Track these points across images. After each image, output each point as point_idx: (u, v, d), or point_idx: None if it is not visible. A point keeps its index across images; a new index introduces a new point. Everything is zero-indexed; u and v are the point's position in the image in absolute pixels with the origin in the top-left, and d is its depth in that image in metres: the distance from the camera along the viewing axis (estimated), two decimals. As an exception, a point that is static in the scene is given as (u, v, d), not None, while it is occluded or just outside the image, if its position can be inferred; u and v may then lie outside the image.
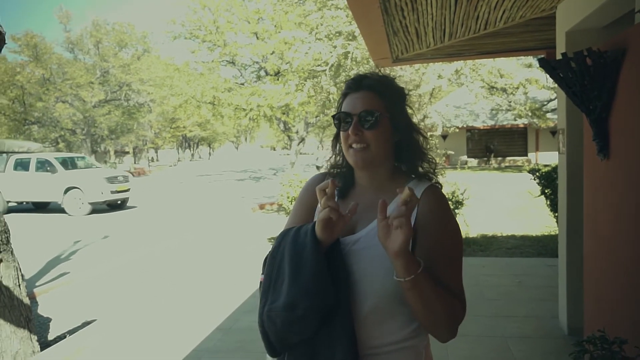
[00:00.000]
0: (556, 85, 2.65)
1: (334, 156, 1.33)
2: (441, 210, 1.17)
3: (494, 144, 27.23)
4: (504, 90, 18.31)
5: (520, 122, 24.97)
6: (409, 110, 1.28)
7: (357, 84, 1.22)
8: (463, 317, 1.15)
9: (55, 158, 14.39)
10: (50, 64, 29.61)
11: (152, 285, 5.90)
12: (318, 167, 18.57)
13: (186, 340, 3.90)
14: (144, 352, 3.80)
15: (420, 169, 1.25)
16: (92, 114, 30.24)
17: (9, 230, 3.70)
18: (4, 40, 2.84)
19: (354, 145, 1.18)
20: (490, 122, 26.50)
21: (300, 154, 18.16)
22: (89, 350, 3.89)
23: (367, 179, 1.25)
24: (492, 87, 17.37)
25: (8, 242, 3.67)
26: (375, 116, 1.17)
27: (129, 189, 14.65)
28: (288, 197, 7.88)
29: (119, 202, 14.81)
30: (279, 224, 9.49)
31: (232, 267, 6.51)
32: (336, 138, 1.31)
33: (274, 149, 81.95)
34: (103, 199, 13.72)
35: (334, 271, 1.11)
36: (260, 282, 1.21)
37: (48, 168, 13.98)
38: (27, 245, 8.73)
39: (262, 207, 13.18)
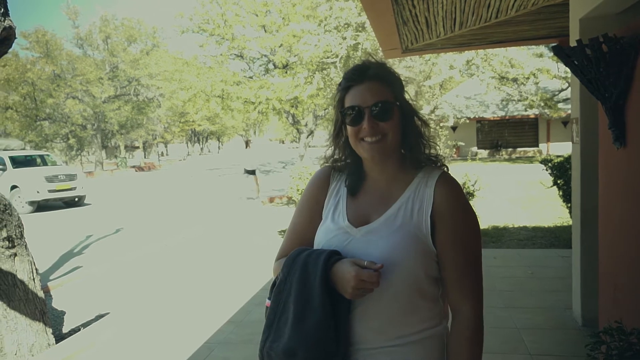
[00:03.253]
0: (569, 74, 2.61)
1: (336, 150, 1.28)
2: (457, 200, 1.15)
3: (503, 138, 26.95)
4: (515, 80, 18.09)
5: (531, 113, 24.67)
6: (407, 97, 1.24)
7: (360, 75, 1.16)
8: (482, 325, 1.15)
9: (10, 156, 14.42)
10: (60, 60, 29.79)
11: (164, 278, 5.94)
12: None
13: (198, 333, 3.92)
14: (156, 344, 3.83)
15: (425, 156, 1.22)
16: (102, 109, 30.43)
17: (22, 225, 3.74)
18: (15, 35, 2.84)
19: (367, 139, 1.14)
20: (501, 113, 26.22)
21: (309, 146, 18.13)
22: (102, 342, 3.93)
23: (379, 170, 1.21)
24: (503, 78, 17.17)
25: (22, 236, 3.71)
26: (390, 106, 1.13)
27: (73, 187, 14.45)
28: (298, 190, 7.88)
29: (68, 200, 14.74)
30: (289, 216, 9.46)
31: (242, 260, 6.54)
32: (339, 133, 1.26)
33: (283, 142, 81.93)
34: (39, 197, 13.60)
35: (337, 306, 1.09)
36: (266, 308, 1.19)
37: (0, 166, 14.07)
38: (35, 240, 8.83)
39: (271, 200, 13.20)
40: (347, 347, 1.12)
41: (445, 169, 1.23)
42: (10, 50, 3.08)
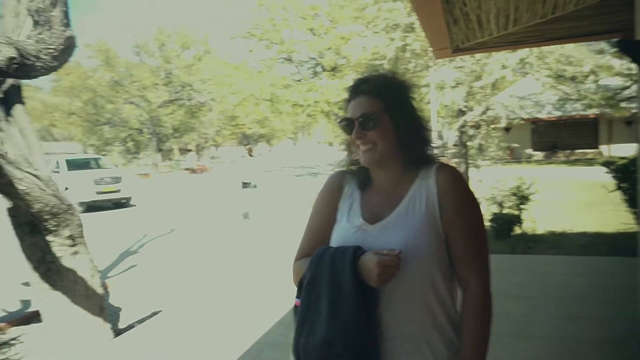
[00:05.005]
0: (633, 71, 2.45)
1: (350, 154, 1.39)
2: (455, 183, 1.25)
3: (560, 139, 25.79)
4: (573, 78, 17.28)
5: (591, 112, 23.45)
6: (414, 102, 1.32)
7: (354, 90, 1.31)
8: (490, 302, 1.23)
9: (66, 160, 15.21)
10: (118, 67, 31.27)
11: (215, 278, 6.08)
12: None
13: (248, 334, 3.97)
14: (207, 343, 3.92)
15: (426, 157, 1.31)
16: (157, 113, 31.68)
17: (82, 225, 3.93)
18: (75, 44, 3.00)
19: (361, 147, 1.27)
20: (557, 113, 25.11)
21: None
22: (155, 339, 4.06)
23: (382, 175, 1.32)
24: (560, 76, 16.44)
25: (82, 235, 3.89)
26: (373, 118, 1.24)
27: (118, 189, 15.07)
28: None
29: (115, 202, 15.34)
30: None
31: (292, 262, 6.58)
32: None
33: (332, 145, 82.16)
34: (87, 199, 14.21)
35: (366, 297, 1.17)
36: (295, 306, 1.26)
37: (56, 169, 14.78)
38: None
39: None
40: (377, 336, 1.20)
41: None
42: (72, 59, 3.25)
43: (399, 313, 1.20)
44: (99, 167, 16.31)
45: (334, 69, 15.90)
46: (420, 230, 1.20)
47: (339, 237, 1.30)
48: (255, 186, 11.51)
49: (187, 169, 35.61)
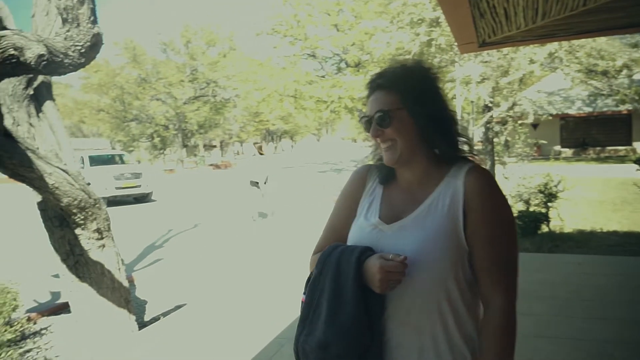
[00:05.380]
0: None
1: (377, 149, 1.31)
2: (484, 189, 1.14)
3: (590, 135, 25.10)
4: (605, 73, 16.79)
5: (624, 108, 22.74)
6: (439, 93, 1.23)
7: (371, 86, 1.24)
8: (514, 323, 1.12)
9: (89, 156, 15.58)
10: (145, 65, 31.82)
11: (238, 273, 6.14)
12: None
13: (269, 328, 4.00)
14: (229, 336, 3.96)
15: (456, 153, 1.22)
16: (182, 110, 32.12)
17: (109, 219, 4.01)
18: (102, 41, 3.06)
19: (381, 145, 1.21)
20: (588, 109, 24.45)
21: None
22: (180, 332, 4.12)
23: (407, 173, 1.24)
24: (591, 71, 16.00)
25: (109, 229, 3.97)
26: (388, 114, 1.17)
27: (138, 185, 15.37)
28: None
29: (136, 197, 15.69)
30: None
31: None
32: None
33: (355, 141, 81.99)
34: (107, 194, 14.48)
35: (369, 302, 1.12)
36: (302, 303, 1.23)
37: (81, 165, 15.09)
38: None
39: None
40: (382, 343, 1.15)
41: (480, 165, 1.23)
42: (101, 57, 3.32)
43: (407, 321, 1.14)
44: (122, 162, 16.74)
45: (357, 65, 15.83)
46: (437, 235, 1.12)
47: (354, 234, 1.25)
48: (265, 183, 10.55)
49: (211, 165, 36.06)
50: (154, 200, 16.18)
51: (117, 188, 14.91)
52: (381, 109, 1.18)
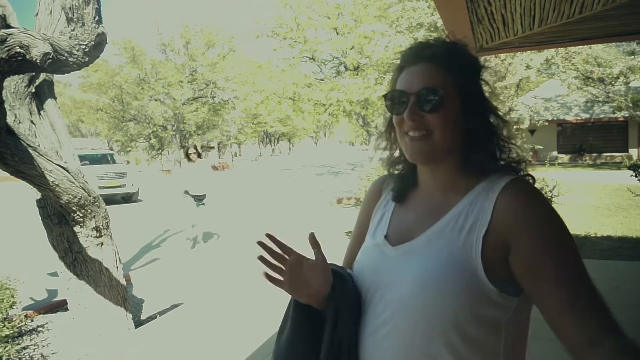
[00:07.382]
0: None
1: (391, 149, 1.09)
2: (526, 211, 0.86)
3: (587, 142, 25.23)
4: (602, 80, 16.93)
5: (620, 115, 22.92)
6: (486, 88, 0.99)
7: (416, 55, 0.96)
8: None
9: (78, 155, 15.59)
10: (144, 65, 31.83)
11: (234, 272, 6.16)
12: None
13: (264, 327, 4.02)
14: (225, 335, 3.98)
15: (496, 162, 0.96)
16: (181, 111, 32.10)
17: (108, 217, 4.04)
18: (106, 40, 3.10)
19: (410, 133, 0.94)
20: (585, 116, 24.60)
21: (379, 148, 18.05)
22: (176, 330, 4.15)
23: (429, 174, 1.00)
24: (588, 78, 16.12)
25: (108, 227, 4.00)
26: (440, 95, 0.90)
27: (123, 184, 15.49)
28: (366, 192, 7.86)
29: (122, 196, 15.82)
30: (356, 217, 9.46)
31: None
32: (390, 124, 1.05)
33: (353, 144, 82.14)
34: None
35: (332, 339, 0.97)
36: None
37: None
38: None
39: (339, 201, 13.26)
40: None
41: (528, 179, 0.97)
42: (100, 56, 3.36)
43: (403, 351, 0.91)
44: (113, 162, 16.83)
45: (356, 68, 15.90)
46: (447, 267, 0.87)
47: (360, 254, 1.09)
48: (204, 203, 7.97)
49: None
50: (140, 200, 16.41)
51: (100, 187, 14.80)
52: (433, 87, 0.91)
